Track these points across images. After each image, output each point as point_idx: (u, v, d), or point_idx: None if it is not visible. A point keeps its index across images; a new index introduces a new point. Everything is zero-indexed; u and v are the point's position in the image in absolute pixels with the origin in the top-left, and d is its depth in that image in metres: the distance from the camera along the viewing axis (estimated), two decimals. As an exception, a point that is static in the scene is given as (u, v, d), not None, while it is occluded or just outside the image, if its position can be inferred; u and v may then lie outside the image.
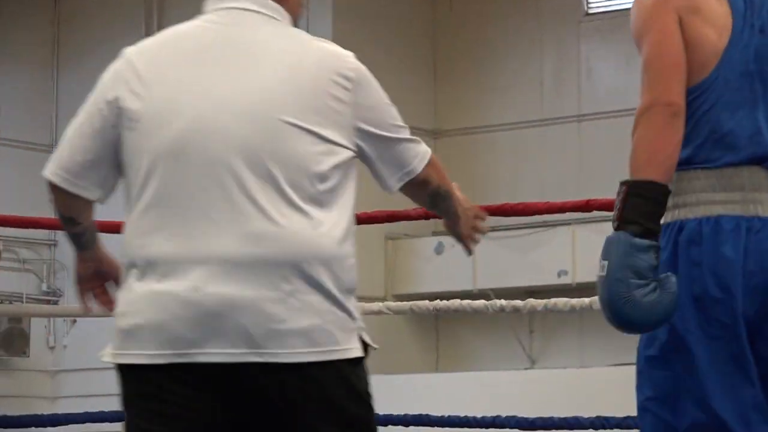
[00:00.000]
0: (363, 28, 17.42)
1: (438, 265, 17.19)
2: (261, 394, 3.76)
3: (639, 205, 3.63)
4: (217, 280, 3.66)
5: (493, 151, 18.02)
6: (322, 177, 3.91)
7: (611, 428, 6.79)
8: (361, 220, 7.72)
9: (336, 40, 13.78)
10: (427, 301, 7.69)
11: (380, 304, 7.82)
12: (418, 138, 4.22)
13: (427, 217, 8.12)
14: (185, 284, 3.65)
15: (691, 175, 3.63)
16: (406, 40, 18.27)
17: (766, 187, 3.55)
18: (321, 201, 3.91)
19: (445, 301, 7.50)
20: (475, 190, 17.55)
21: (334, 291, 3.87)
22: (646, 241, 3.64)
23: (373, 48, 17.53)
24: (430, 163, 4.17)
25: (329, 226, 3.92)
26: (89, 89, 3.76)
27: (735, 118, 3.54)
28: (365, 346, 4.15)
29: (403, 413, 7.73)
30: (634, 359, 13.67)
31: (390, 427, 7.85)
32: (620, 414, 6.96)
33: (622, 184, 3.71)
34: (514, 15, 18.16)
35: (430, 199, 4.32)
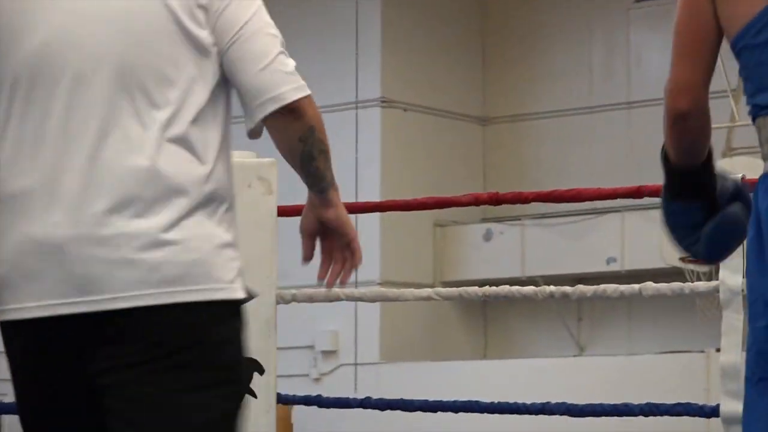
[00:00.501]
0: (412, 14, 17.42)
1: (487, 251, 17.15)
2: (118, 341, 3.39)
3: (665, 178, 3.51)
4: (72, 218, 3.35)
5: (542, 138, 17.99)
6: (189, 96, 3.52)
7: (661, 415, 6.73)
8: (410, 206, 7.70)
9: (385, 26, 13.95)
10: (476, 287, 7.67)
11: (429, 290, 7.75)
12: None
13: (476, 203, 8.06)
14: (43, 224, 3.36)
15: None
16: (455, 27, 18.26)
17: None
18: (188, 126, 3.53)
19: (494, 287, 7.48)
20: (523, 177, 17.59)
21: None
22: (674, 205, 3.53)
23: (422, 35, 17.56)
24: (310, 102, 3.62)
25: (194, 153, 3.54)
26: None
27: None
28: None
29: (452, 399, 7.70)
30: (681, 347, 13.74)
31: (439, 413, 7.83)
32: (669, 400, 6.92)
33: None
34: (564, 2, 18.13)
35: (302, 151, 3.61)
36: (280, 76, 3.54)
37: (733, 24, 3.19)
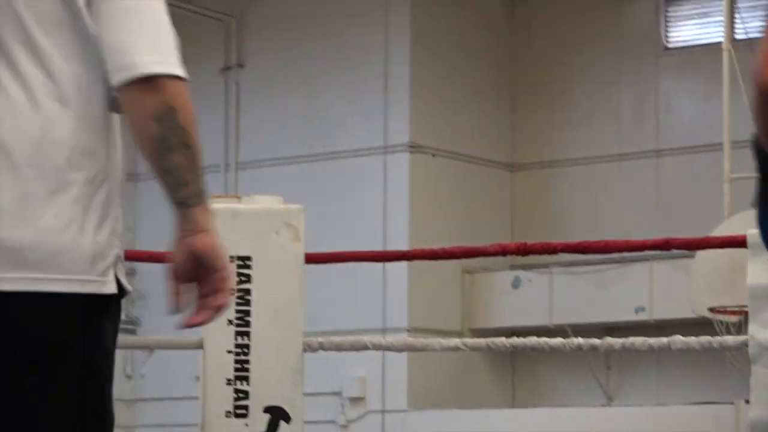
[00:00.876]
0: (442, 59, 17.45)
1: (515, 299, 17.12)
2: None
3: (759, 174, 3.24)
4: None
5: (571, 185, 17.98)
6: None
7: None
8: (438, 255, 7.70)
9: (415, 71, 13.97)
10: (503, 338, 7.65)
11: (457, 340, 7.71)
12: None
13: (504, 253, 8.06)
14: None
15: None
16: (484, 71, 18.29)
17: None
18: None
19: (521, 338, 7.48)
20: (552, 224, 17.56)
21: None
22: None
23: (451, 80, 17.56)
24: (178, 84, 3.14)
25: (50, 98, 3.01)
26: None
27: None
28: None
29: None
30: (710, 398, 13.72)
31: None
32: None
33: None
34: (594, 48, 18.14)
35: (156, 134, 3.07)
36: (143, 43, 3.14)
37: None
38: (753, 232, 5.57)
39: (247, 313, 5.76)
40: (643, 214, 16.82)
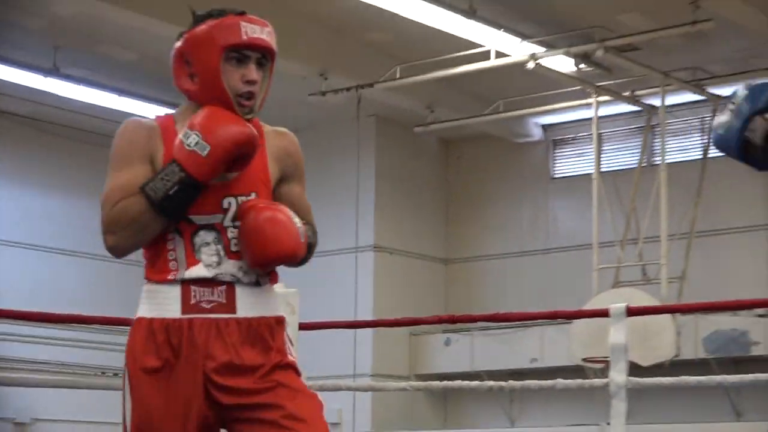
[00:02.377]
0: (397, 186, 17.46)
1: (446, 353, 17.12)
2: None
3: None
4: None
5: (487, 273, 17.99)
6: None
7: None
8: (393, 323, 7.75)
9: (377, 194, 13.75)
10: (438, 381, 7.64)
11: (405, 383, 7.71)
12: None
13: (439, 322, 8.06)
14: None
15: None
16: (427, 193, 18.28)
17: None
18: None
19: (451, 381, 7.48)
20: (474, 301, 17.56)
21: None
22: None
23: (404, 200, 17.62)
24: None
25: None
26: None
27: None
28: None
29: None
30: (583, 421, 13.34)
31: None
32: None
33: None
34: (503, 176, 18.17)
35: None
36: None
37: None
38: (614, 306, 5.57)
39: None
40: (537, 293, 16.78)
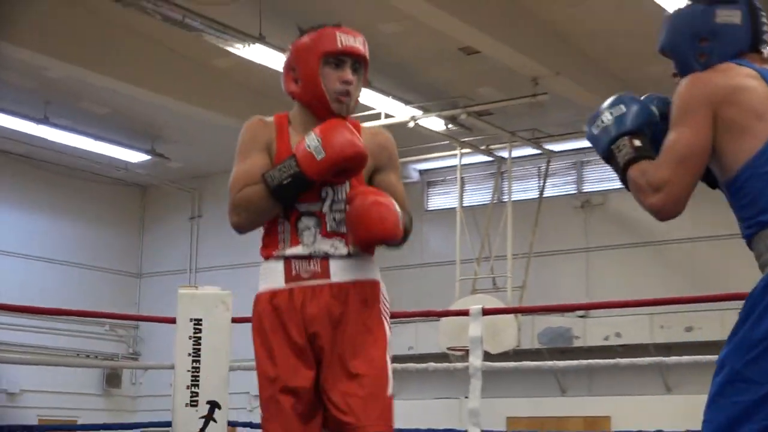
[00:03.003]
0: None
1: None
2: None
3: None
4: None
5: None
6: None
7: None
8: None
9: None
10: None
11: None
12: None
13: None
14: None
15: None
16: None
17: None
18: None
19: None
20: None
21: None
22: None
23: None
24: None
25: None
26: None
27: None
28: None
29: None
30: (446, 395, 12.93)
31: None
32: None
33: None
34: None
35: None
36: None
37: (739, 157, 2.35)
38: (473, 307, 5.54)
39: (198, 349, 5.60)
40: (414, 297, 16.67)
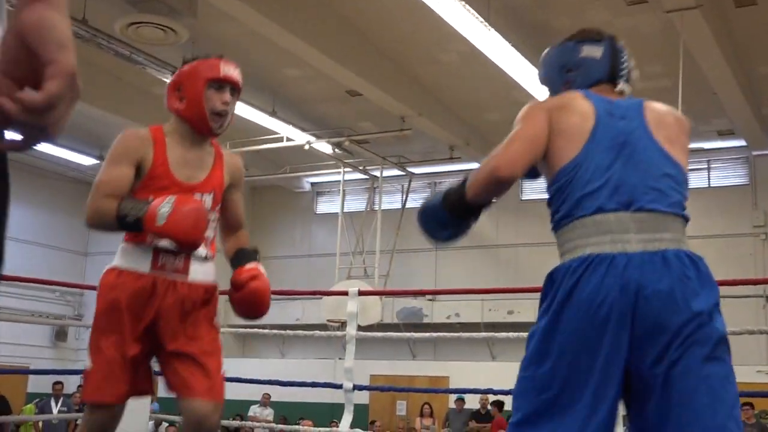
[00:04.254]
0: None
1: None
2: None
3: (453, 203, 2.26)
4: None
5: (277, 269, 17.76)
6: None
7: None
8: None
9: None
10: (242, 329, 7.38)
11: (223, 328, 7.51)
12: None
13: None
14: None
15: (570, 226, 2.09)
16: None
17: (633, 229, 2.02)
18: None
19: (248, 329, 7.30)
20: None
21: None
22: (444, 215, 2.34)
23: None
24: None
25: None
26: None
27: (604, 176, 2.07)
28: None
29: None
30: (325, 356, 12.72)
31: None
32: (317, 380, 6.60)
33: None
34: (287, 212, 18.01)
35: None
36: None
37: (560, 160, 2.13)
38: (351, 289, 5.50)
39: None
40: (304, 279, 16.58)
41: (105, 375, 2.73)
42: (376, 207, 15.55)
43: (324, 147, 14.22)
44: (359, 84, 11.25)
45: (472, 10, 8.93)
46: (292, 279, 16.79)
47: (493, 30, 9.36)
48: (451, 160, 14.50)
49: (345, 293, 5.47)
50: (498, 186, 2.13)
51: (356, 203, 16.99)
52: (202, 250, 2.83)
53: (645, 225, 2.03)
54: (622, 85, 2.34)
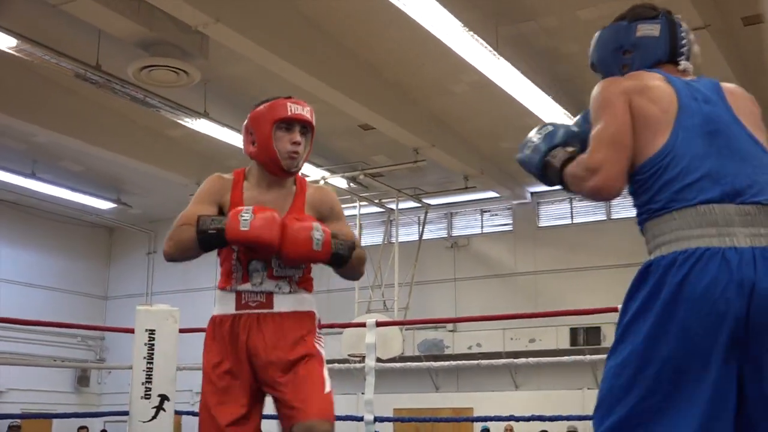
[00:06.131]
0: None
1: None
2: None
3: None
4: None
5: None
6: None
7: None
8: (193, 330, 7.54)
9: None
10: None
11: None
12: None
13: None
14: None
15: (667, 217, 1.95)
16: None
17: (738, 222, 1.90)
18: None
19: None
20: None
21: None
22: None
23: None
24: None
25: None
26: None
27: (704, 166, 1.95)
28: None
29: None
30: (348, 391, 12.58)
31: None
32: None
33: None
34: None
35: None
36: None
37: (646, 150, 2.01)
38: (369, 321, 5.49)
39: (152, 353, 5.46)
40: (324, 313, 16.51)
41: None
42: (393, 239, 15.55)
43: (339, 182, 14.26)
44: (372, 118, 11.31)
45: (481, 40, 8.98)
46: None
47: (502, 59, 9.41)
48: (466, 189, 14.51)
49: (363, 325, 5.46)
50: (597, 200, 2.07)
51: (373, 237, 16.99)
52: (284, 286, 2.88)
53: (751, 219, 1.90)
54: (684, 64, 2.21)
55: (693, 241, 1.88)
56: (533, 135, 2.30)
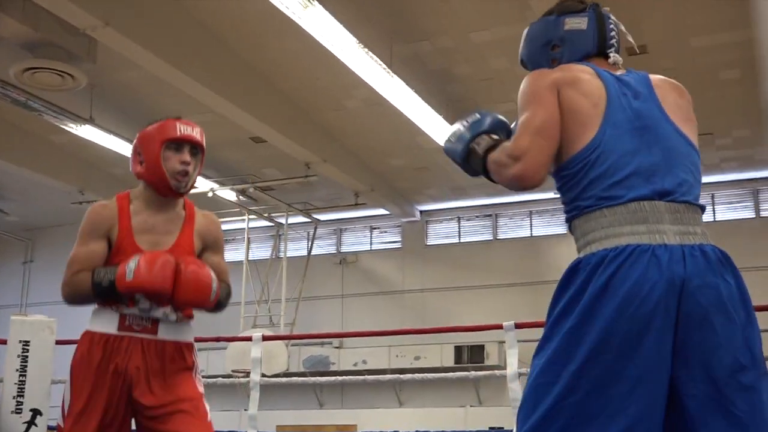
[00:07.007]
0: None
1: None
2: None
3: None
4: None
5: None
6: None
7: None
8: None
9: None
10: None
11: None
12: None
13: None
14: None
15: (597, 214, 1.92)
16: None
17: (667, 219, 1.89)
18: None
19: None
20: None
21: None
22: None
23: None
24: None
25: None
26: None
27: (633, 163, 1.93)
28: None
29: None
30: (230, 408, 12.50)
31: None
32: None
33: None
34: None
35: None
36: None
37: (573, 145, 1.97)
38: (255, 334, 5.41)
39: (25, 366, 5.27)
40: (207, 328, 16.27)
41: None
42: (282, 254, 15.45)
43: (228, 194, 14.10)
44: (263, 130, 11.23)
45: (375, 57, 9.05)
46: (195, 329, 16.43)
47: (396, 77, 9.51)
48: (357, 206, 14.56)
49: (249, 339, 5.38)
50: (518, 189, 2.00)
51: (261, 251, 16.84)
52: (171, 315, 2.85)
53: (680, 216, 1.90)
54: (614, 57, 2.19)
55: (623, 239, 1.86)
56: (458, 123, 2.23)
